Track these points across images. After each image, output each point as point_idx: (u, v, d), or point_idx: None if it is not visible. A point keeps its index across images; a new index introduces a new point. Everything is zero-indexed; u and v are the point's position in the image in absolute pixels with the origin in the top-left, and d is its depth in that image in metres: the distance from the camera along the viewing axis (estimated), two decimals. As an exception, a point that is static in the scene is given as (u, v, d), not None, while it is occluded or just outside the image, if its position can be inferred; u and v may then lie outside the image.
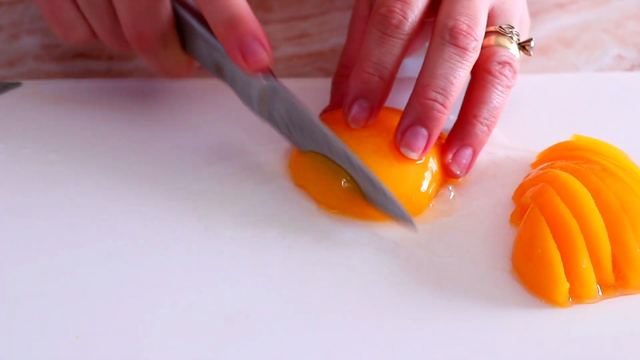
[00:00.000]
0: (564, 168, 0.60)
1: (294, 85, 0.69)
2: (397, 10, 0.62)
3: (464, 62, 0.61)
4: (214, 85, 0.71)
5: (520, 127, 0.65)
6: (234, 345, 0.54)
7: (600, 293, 0.56)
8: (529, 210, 0.59)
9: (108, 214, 0.62)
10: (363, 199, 0.61)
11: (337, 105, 0.66)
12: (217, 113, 0.70)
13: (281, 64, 0.76)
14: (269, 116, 0.64)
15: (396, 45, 0.62)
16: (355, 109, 0.62)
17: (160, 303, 0.56)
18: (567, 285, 0.56)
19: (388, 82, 0.62)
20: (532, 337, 0.55)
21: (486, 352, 0.54)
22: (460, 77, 0.61)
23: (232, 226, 0.61)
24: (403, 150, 0.61)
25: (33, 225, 0.61)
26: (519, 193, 0.62)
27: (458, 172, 0.63)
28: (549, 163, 0.63)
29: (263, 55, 0.61)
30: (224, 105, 0.70)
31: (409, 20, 0.62)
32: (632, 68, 0.75)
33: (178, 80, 0.72)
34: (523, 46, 0.64)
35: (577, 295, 0.56)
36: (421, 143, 0.61)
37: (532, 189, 0.60)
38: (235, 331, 0.55)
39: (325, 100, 0.69)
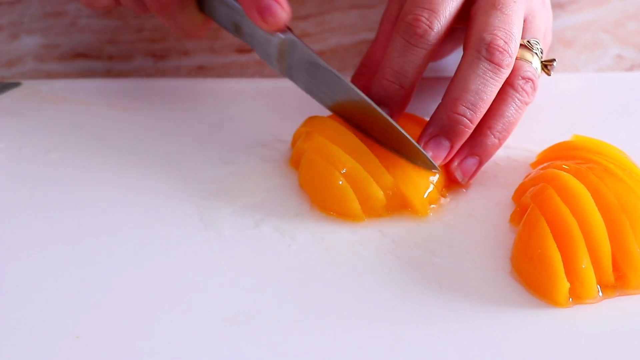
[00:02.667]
0: (564, 168, 0.60)
1: (294, 85, 0.69)
2: (424, 19, 0.61)
3: (497, 78, 0.61)
4: (215, 86, 0.71)
5: (520, 127, 0.65)
6: (234, 345, 0.54)
7: (600, 293, 0.56)
8: (529, 210, 0.59)
9: (108, 214, 0.62)
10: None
11: None
12: (217, 113, 0.70)
13: (281, 64, 0.76)
14: (289, 71, 0.64)
15: (419, 55, 0.61)
16: None
17: (159, 303, 0.56)
18: (567, 285, 0.56)
19: (408, 90, 0.62)
20: (532, 337, 0.55)
21: (486, 352, 0.54)
22: (491, 93, 0.61)
23: (232, 226, 0.61)
24: None
25: (33, 225, 0.61)
26: (519, 193, 0.62)
27: (461, 179, 0.63)
28: (549, 163, 0.63)
29: (281, 13, 0.61)
30: (225, 105, 0.70)
31: (435, 30, 0.61)
32: (632, 68, 0.75)
33: (195, 40, 0.73)
34: (545, 65, 0.64)
35: (577, 295, 0.56)
36: (442, 154, 0.61)
37: (532, 189, 0.60)
38: (234, 331, 0.55)
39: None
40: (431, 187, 0.62)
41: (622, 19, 0.78)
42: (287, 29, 0.63)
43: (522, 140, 0.66)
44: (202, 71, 0.75)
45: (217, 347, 0.54)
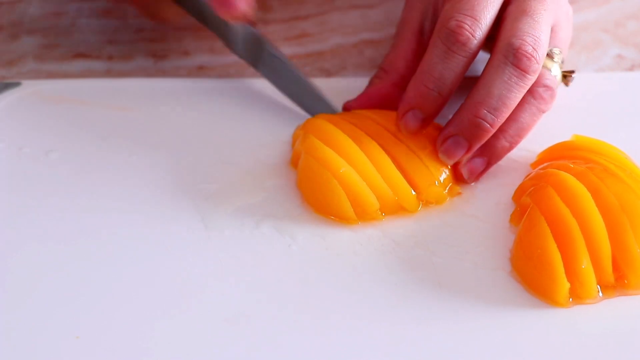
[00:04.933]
0: (564, 168, 0.60)
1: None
2: (467, 26, 0.61)
3: (522, 84, 0.60)
4: (215, 86, 0.71)
5: (520, 127, 0.65)
6: (234, 345, 0.54)
7: (600, 293, 0.56)
8: (529, 210, 0.59)
9: (108, 214, 0.62)
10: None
11: (365, 98, 0.67)
12: (217, 113, 0.70)
13: (281, 64, 0.76)
14: (255, 63, 0.69)
15: (460, 63, 0.61)
16: (409, 117, 0.62)
17: (160, 303, 0.56)
18: (567, 285, 0.56)
19: (446, 97, 0.62)
20: (532, 337, 0.55)
21: (486, 352, 0.54)
22: (514, 99, 0.61)
23: (232, 226, 0.61)
24: (441, 155, 0.62)
25: (33, 225, 0.61)
26: (519, 193, 0.62)
27: (467, 177, 0.63)
28: (549, 163, 0.63)
29: (240, 4, 0.63)
30: (225, 105, 0.70)
31: (477, 38, 0.61)
32: (632, 68, 0.75)
33: (168, 24, 0.75)
34: (565, 75, 0.64)
35: (577, 295, 0.56)
36: (459, 154, 0.62)
37: (532, 189, 0.60)
38: (234, 331, 0.55)
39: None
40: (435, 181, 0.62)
41: (622, 19, 0.78)
42: (250, 21, 0.66)
43: (523, 140, 0.66)
44: (202, 71, 0.75)
45: (217, 347, 0.54)
